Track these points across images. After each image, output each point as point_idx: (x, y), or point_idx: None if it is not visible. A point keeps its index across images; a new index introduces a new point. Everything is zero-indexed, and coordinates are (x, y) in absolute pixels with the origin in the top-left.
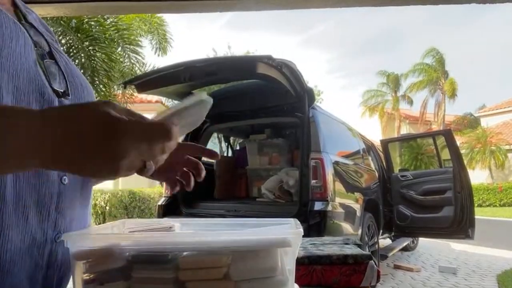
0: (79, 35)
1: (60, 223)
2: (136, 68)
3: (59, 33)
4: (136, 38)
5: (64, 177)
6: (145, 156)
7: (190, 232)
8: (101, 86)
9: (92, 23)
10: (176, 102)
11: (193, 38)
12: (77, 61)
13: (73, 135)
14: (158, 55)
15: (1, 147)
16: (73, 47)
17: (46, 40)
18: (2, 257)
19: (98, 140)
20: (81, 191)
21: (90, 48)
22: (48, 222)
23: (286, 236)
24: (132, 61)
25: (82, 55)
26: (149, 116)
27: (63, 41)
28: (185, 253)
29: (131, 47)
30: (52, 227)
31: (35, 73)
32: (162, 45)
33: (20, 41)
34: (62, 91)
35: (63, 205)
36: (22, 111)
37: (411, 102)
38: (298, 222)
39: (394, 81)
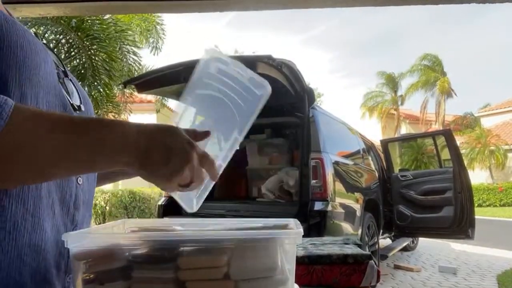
0: (79, 34)
1: (76, 218)
2: (134, 70)
3: (59, 32)
4: (135, 39)
5: (80, 178)
6: (194, 178)
7: (190, 232)
8: (102, 83)
9: (90, 21)
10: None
11: (195, 38)
12: (77, 60)
13: (161, 146)
14: (154, 54)
15: (108, 145)
16: (73, 47)
17: (60, 60)
18: (40, 244)
19: (174, 156)
20: (90, 191)
21: (90, 47)
22: (68, 216)
23: (285, 236)
24: (130, 62)
25: (83, 54)
26: (150, 115)
27: (63, 41)
28: (185, 253)
29: (130, 48)
30: (71, 220)
31: (59, 89)
32: (158, 44)
33: (48, 62)
34: (78, 105)
35: (78, 202)
36: (121, 122)
37: (411, 102)
38: (298, 222)
39: (394, 81)
